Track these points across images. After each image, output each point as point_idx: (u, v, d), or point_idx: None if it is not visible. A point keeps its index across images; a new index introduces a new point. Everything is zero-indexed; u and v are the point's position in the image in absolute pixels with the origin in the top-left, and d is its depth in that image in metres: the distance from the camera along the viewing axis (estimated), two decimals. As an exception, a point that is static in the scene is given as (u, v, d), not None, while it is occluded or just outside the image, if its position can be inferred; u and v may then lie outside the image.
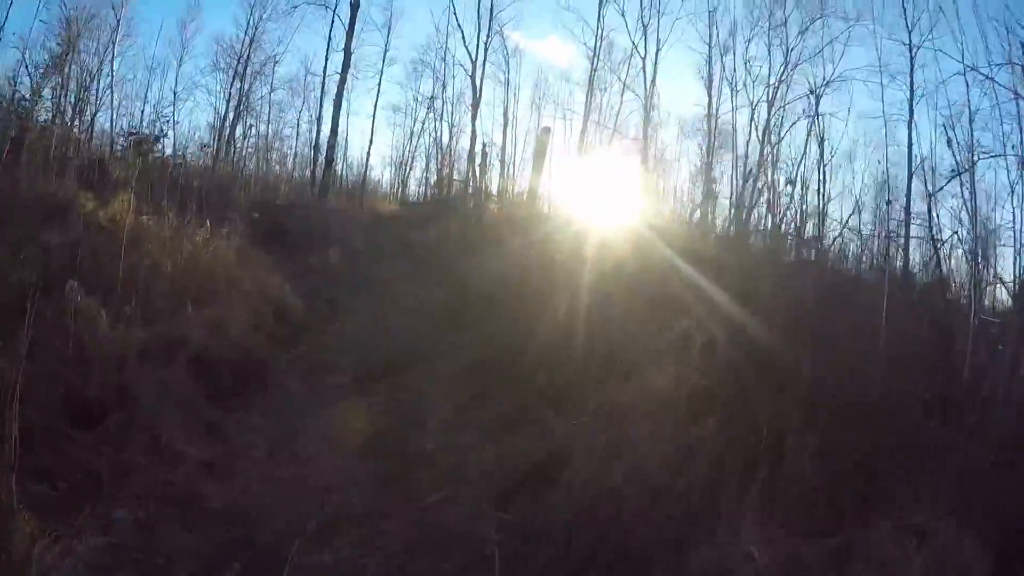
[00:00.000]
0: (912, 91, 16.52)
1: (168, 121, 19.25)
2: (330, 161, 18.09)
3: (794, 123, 20.02)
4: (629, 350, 6.79)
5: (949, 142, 8.76)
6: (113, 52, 17.13)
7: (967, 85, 9.29)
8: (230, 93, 20.15)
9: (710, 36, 21.50)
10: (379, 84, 22.44)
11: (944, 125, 10.16)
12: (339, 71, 18.50)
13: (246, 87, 20.58)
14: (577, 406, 5.80)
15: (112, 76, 17.10)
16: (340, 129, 21.32)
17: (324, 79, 20.19)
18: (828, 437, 4.63)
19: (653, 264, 9.59)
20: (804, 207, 19.10)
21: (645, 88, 21.21)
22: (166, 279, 6.82)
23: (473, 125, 22.35)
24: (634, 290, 8.81)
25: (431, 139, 25.59)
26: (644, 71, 21.20)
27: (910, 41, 16.02)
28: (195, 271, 7.17)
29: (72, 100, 16.47)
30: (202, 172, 16.62)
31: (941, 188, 11.03)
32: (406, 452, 5.43)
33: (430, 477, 4.98)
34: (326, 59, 20.34)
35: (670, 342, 7.01)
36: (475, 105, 21.57)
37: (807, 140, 19.92)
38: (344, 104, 24.13)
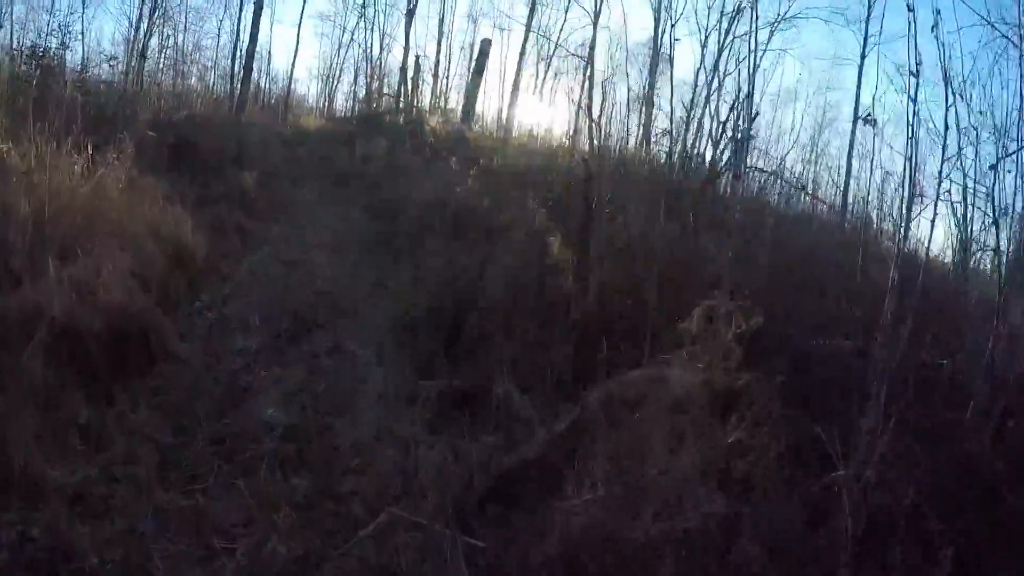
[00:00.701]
0: (866, 37, 16.89)
1: (69, 32, 17.25)
2: (248, 71, 16.48)
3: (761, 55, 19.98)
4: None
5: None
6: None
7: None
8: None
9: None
10: None
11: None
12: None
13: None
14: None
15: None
16: (263, 38, 19.69)
17: None
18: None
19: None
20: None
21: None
22: (20, 227, 5.39)
23: (407, 34, 20.91)
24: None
25: (360, 51, 24.05)
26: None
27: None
28: (66, 213, 5.78)
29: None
30: (105, 89, 14.96)
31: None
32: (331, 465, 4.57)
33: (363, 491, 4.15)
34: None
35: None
36: (410, 12, 20.03)
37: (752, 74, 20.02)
38: (267, 10, 22.29)
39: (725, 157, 13.88)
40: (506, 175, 11.97)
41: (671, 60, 11.91)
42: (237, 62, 17.28)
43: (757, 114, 10.75)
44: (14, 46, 15.01)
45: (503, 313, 6.14)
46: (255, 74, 23.78)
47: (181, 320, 6.15)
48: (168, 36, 20.33)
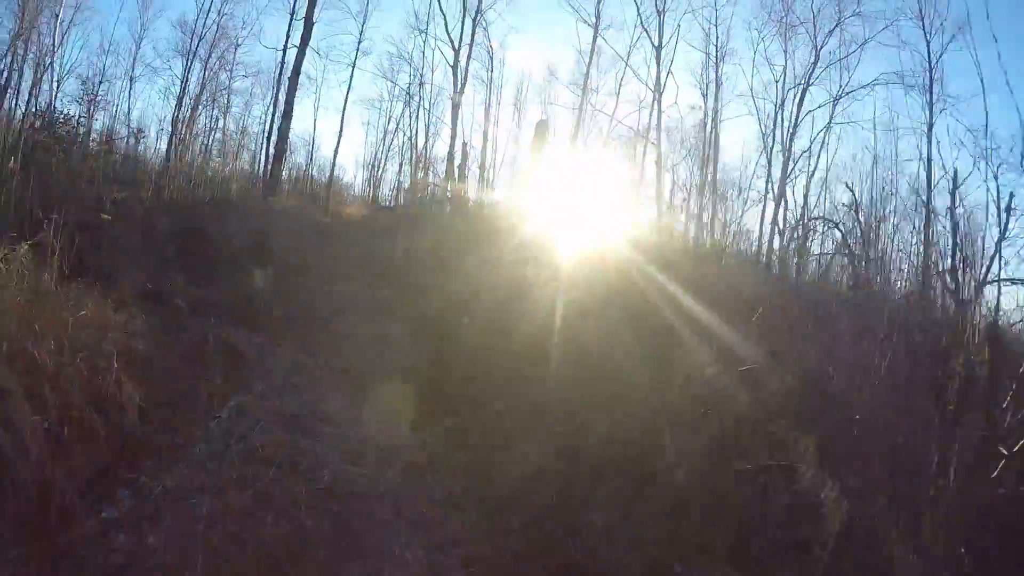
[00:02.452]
0: (932, 101, 15.25)
1: (90, 99, 16.26)
2: (281, 153, 14.73)
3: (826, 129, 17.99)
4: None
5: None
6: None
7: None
8: (186, 78, 17.28)
9: (716, 37, 19.51)
10: (351, 76, 19.99)
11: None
12: (297, 45, 15.10)
13: (206, 74, 17.69)
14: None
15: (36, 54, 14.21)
16: (306, 124, 18.68)
17: (283, 58, 17.00)
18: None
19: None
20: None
21: (657, 79, 18.63)
22: None
23: (454, 118, 19.51)
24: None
25: (405, 138, 22.95)
26: (657, 62, 18.74)
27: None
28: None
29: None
30: (116, 161, 13.43)
31: None
32: None
33: None
34: (287, 35, 17.19)
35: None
36: (458, 92, 18.62)
37: (821, 150, 18.00)
38: (312, 98, 21.44)
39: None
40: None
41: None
42: (268, 142, 15.55)
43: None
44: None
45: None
46: (300, 161, 22.94)
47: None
48: (216, 118, 19.71)
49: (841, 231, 7.03)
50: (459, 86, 19.14)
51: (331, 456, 4.04)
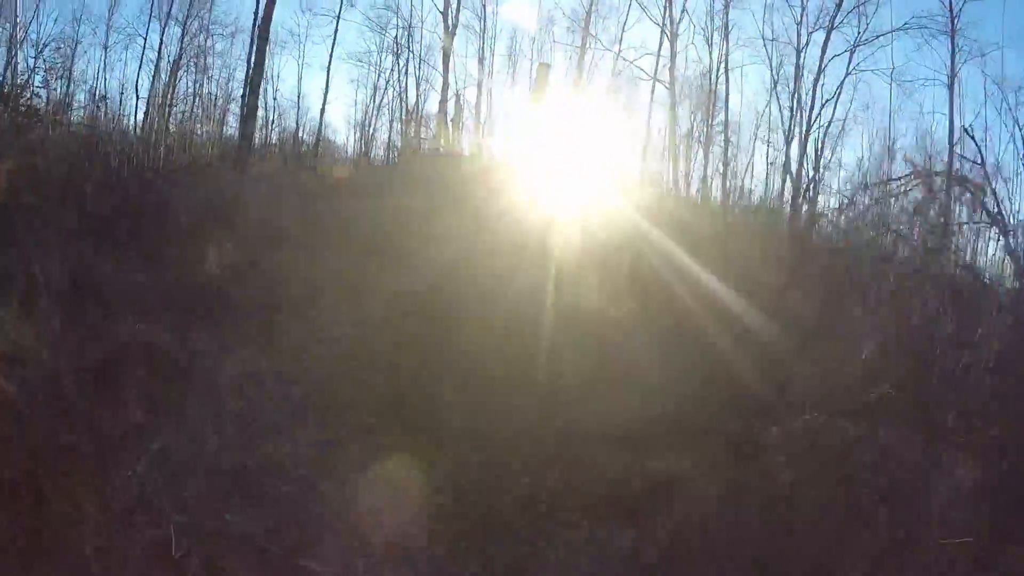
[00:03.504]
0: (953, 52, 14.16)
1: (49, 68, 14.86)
2: (252, 110, 13.04)
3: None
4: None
5: None
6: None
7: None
8: (161, 42, 15.91)
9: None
10: (335, 31, 18.54)
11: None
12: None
13: (185, 38, 16.24)
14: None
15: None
16: (298, 88, 17.55)
17: (256, 10, 15.24)
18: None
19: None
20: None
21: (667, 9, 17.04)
22: None
23: (445, 67, 17.94)
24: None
25: (395, 93, 21.40)
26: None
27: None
28: None
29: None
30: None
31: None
32: None
33: None
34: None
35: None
36: (449, 34, 17.05)
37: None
38: (297, 56, 20.13)
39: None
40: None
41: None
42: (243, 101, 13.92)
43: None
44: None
45: None
46: (291, 125, 21.44)
47: None
48: (196, 82, 18.33)
49: (984, 196, 5.74)
50: (450, 27, 17.47)
51: (281, 545, 2.81)
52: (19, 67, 13.90)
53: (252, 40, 13.25)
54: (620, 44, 18.45)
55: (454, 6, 17.69)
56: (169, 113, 17.28)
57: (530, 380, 5.00)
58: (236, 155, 12.75)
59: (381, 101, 22.33)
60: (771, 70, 17.86)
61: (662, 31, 17.59)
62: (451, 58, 18.59)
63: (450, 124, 19.64)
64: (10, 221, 5.84)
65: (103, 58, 16.36)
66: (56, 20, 15.20)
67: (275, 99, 21.47)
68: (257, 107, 13.28)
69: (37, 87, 13.46)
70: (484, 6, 19.32)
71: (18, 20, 14.26)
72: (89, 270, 5.77)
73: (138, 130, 15.33)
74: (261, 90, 19.82)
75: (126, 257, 6.31)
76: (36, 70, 13.10)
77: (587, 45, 18.45)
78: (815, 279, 7.49)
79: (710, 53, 18.14)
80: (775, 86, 17.67)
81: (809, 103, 16.93)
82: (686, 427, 4.74)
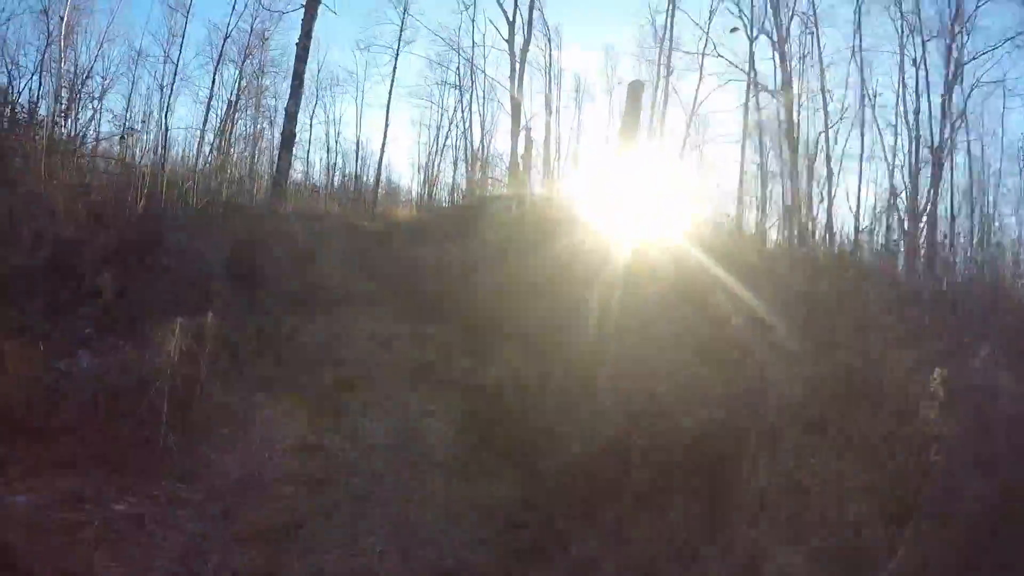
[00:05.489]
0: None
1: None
2: (289, 138, 11.42)
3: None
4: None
5: None
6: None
7: None
8: (213, 81, 15.52)
9: None
10: (394, 68, 17.64)
11: None
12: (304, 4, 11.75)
13: (241, 80, 15.72)
14: None
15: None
16: (361, 133, 16.65)
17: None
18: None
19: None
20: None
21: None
22: None
23: (514, 87, 16.48)
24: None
25: (459, 132, 20.08)
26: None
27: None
28: None
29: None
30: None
31: None
32: None
33: None
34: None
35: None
36: (517, 60, 15.63)
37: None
38: (355, 94, 19.17)
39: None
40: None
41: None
42: (283, 139, 12.24)
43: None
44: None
45: None
46: (353, 170, 20.43)
47: None
48: (261, 126, 17.52)
49: None
50: (516, 58, 16.06)
51: None
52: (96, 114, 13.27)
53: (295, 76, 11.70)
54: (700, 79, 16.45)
55: (519, 41, 16.41)
56: (226, 150, 16.50)
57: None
58: (271, 192, 11.30)
59: (444, 142, 21.15)
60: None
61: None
62: (519, 93, 17.17)
63: (520, 161, 18.08)
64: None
65: (169, 98, 15.86)
66: (118, 65, 14.59)
67: (337, 142, 20.77)
68: (294, 136, 11.67)
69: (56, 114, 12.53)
70: (549, 41, 18.07)
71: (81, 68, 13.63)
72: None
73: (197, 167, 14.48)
74: (328, 134, 19.13)
75: (104, 321, 4.73)
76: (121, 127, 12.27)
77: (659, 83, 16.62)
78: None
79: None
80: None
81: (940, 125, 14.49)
82: None
